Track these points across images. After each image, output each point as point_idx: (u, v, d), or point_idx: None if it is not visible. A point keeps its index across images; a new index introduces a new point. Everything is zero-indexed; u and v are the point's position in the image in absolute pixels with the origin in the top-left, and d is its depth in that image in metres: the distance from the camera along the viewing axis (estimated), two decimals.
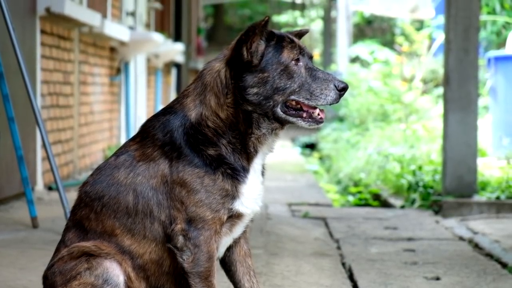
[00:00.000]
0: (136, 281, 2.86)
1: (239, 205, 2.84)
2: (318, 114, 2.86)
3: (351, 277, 4.39)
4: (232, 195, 2.82)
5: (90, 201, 2.91)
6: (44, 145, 5.20)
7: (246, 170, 2.85)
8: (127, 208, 2.86)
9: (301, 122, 2.85)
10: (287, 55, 2.83)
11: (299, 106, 2.84)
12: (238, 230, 2.92)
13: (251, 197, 2.86)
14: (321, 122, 2.87)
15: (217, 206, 2.81)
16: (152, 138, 2.88)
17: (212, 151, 2.83)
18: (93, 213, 2.90)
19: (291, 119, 2.84)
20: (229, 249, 3.00)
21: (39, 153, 6.76)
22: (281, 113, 2.83)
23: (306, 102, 2.82)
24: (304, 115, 2.84)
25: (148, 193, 2.84)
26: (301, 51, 2.86)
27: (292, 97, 2.82)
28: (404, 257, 4.90)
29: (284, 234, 5.39)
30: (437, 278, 4.35)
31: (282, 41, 2.85)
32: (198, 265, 2.80)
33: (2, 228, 5.17)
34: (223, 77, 2.85)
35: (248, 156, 2.87)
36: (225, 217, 2.83)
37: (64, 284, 2.81)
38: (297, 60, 2.84)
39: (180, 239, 2.80)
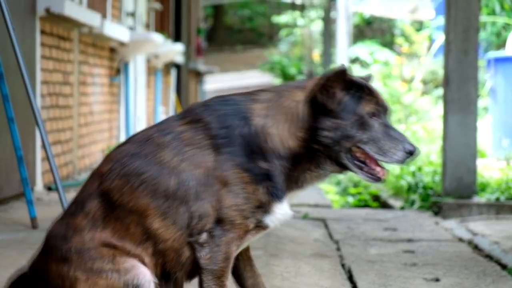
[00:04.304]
0: (155, 268, 2.83)
1: (268, 220, 2.86)
2: (379, 172, 2.86)
3: (350, 278, 4.39)
4: (265, 209, 2.83)
5: (126, 174, 2.82)
6: (43, 146, 5.19)
7: (285, 193, 2.87)
8: (166, 191, 2.80)
9: (360, 174, 2.86)
10: (364, 107, 2.83)
11: (363, 157, 2.85)
12: (256, 237, 2.95)
13: (280, 215, 2.87)
14: (380, 180, 2.87)
15: (249, 214, 2.82)
16: (205, 126, 2.83)
17: (264, 164, 2.82)
18: (128, 187, 2.81)
19: (352, 167, 2.85)
20: None
21: (39, 153, 6.76)
22: (345, 159, 2.84)
23: (371, 153, 2.82)
24: (365, 168, 2.85)
25: (189, 182, 2.79)
26: (379, 105, 2.86)
27: (360, 145, 2.82)
28: (403, 258, 4.90)
29: (284, 235, 5.39)
30: (437, 280, 4.34)
31: (361, 91, 2.85)
32: (214, 263, 2.81)
33: (2, 228, 5.16)
34: (300, 112, 2.85)
35: (295, 186, 2.90)
36: (252, 226, 2.84)
37: (86, 273, 2.77)
38: (373, 114, 2.84)
39: (204, 236, 2.79)
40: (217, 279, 2.82)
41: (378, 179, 2.86)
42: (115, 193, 2.83)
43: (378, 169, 2.85)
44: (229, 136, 2.82)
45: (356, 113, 2.82)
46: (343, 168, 2.86)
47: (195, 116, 2.87)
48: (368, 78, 2.98)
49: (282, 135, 2.84)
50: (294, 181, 2.88)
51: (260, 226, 2.86)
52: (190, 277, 2.91)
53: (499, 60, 10.15)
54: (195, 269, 2.86)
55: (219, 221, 2.80)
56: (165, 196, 2.80)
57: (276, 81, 23.28)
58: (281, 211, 2.86)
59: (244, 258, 3.03)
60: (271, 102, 2.86)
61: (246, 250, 3.03)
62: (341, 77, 2.83)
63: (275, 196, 2.83)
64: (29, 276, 2.91)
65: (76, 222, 2.84)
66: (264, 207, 2.83)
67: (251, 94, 2.91)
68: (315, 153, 2.84)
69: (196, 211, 2.80)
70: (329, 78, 2.82)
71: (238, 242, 2.83)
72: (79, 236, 2.82)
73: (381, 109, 2.86)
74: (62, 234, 2.84)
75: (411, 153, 2.82)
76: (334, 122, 2.82)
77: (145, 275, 2.77)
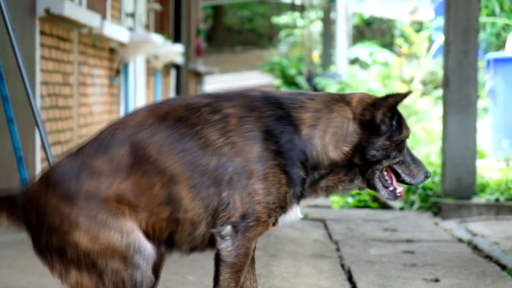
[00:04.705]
0: (160, 232, 2.79)
1: (280, 219, 2.92)
2: (401, 191, 3.03)
3: (350, 278, 4.39)
4: (285, 210, 2.90)
5: (169, 135, 2.79)
6: (43, 146, 5.19)
7: (305, 197, 2.96)
8: (204, 168, 2.78)
9: (384, 192, 3.00)
10: (404, 132, 2.99)
11: (388, 176, 3.00)
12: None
13: (292, 216, 2.96)
14: (398, 197, 3.05)
15: (273, 213, 2.85)
16: (257, 117, 2.85)
17: (302, 172, 2.89)
18: (168, 149, 2.77)
19: (379, 185, 2.98)
20: None
21: (38, 154, 6.76)
22: (377, 177, 2.97)
23: (403, 175, 3.00)
24: (391, 188, 3.00)
25: (228, 168, 2.79)
26: (408, 131, 3.04)
27: (395, 167, 2.99)
28: (403, 259, 4.90)
29: (283, 235, 5.39)
30: (436, 280, 4.34)
31: (401, 117, 3.01)
32: (235, 257, 2.81)
33: (1, 229, 5.16)
34: (350, 129, 2.94)
35: (315, 194, 2.99)
36: (271, 224, 2.88)
37: (89, 221, 2.70)
38: (407, 138, 3.02)
39: (228, 229, 2.79)
40: (234, 273, 2.82)
41: (398, 197, 3.04)
42: (153, 149, 2.77)
43: (400, 188, 3.02)
44: (277, 137, 2.85)
45: (400, 137, 2.97)
46: (369, 185, 2.99)
47: (247, 103, 2.88)
48: (408, 93, 3.09)
49: (327, 147, 2.91)
50: (319, 190, 2.97)
51: (273, 224, 2.91)
52: (191, 251, 2.88)
53: (498, 61, 10.14)
54: (200, 246, 2.84)
55: (245, 215, 2.80)
56: (201, 172, 2.78)
57: (276, 82, 23.26)
58: (294, 213, 2.94)
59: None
60: (320, 113, 2.92)
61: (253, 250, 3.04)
62: (397, 102, 2.97)
63: (296, 199, 2.90)
64: (20, 202, 2.82)
65: (96, 164, 2.76)
66: (285, 208, 2.89)
67: (301, 101, 2.94)
68: (353, 168, 2.94)
69: (225, 198, 2.79)
70: (387, 103, 2.95)
71: (257, 239, 2.87)
72: (95, 181, 2.75)
73: (409, 134, 3.05)
74: (75, 172, 2.76)
75: (428, 177, 3.05)
76: (383, 143, 2.94)
77: (146, 241, 2.75)
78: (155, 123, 2.80)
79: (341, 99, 2.98)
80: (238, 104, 2.87)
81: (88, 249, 2.71)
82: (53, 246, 2.74)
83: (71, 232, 2.72)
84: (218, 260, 2.81)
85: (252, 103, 2.88)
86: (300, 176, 2.88)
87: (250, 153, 2.81)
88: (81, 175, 2.75)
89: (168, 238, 2.82)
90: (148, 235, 2.79)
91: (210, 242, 2.84)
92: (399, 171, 2.97)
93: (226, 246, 2.80)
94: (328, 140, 2.91)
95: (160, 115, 2.81)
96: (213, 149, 2.79)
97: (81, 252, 2.71)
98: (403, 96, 2.95)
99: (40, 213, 2.76)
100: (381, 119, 2.93)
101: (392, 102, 2.94)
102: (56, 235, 2.73)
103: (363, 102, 2.96)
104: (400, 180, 2.99)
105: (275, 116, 2.86)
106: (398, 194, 3.01)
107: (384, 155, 2.93)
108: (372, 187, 2.97)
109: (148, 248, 2.75)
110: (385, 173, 2.97)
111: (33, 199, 2.79)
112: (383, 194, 2.98)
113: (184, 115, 2.81)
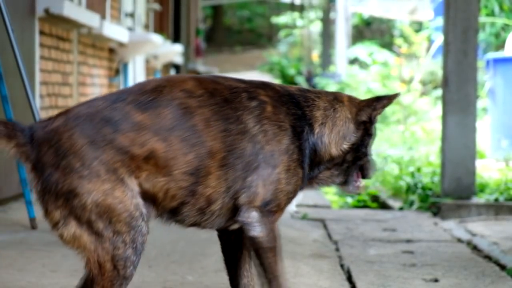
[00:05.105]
0: (170, 200, 2.75)
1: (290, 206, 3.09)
2: (362, 186, 3.19)
3: (349, 278, 4.39)
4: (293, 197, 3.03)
5: (216, 113, 2.80)
6: None
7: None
8: (241, 152, 2.82)
9: (351, 187, 3.14)
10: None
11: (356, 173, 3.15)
12: None
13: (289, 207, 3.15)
14: (361, 192, 3.27)
15: (289, 202, 2.95)
16: (286, 112, 2.95)
17: (308, 168, 3.02)
18: (214, 124, 2.79)
19: (351, 180, 3.12)
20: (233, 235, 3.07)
21: None
22: (353, 172, 3.12)
23: (367, 170, 3.15)
24: (358, 183, 3.15)
25: (259, 155, 2.84)
26: None
27: (367, 161, 3.13)
28: (402, 259, 4.90)
29: (283, 235, 5.37)
30: (436, 280, 4.35)
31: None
32: (269, 241, 2.85)
33: (1, 229, 5.16)
34: (350, 128, 3.06)
35: (309, 188, 3.13)
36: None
37: (107, 174, 2.61)
38: None
39: (254, 214, 2.83)
40: (275, 256, 2.88)
41: (361, 192, 3.24)
42: (199, 119, 2.77)
43: (362, 182, 3.18)
44: (300, 135, 2.95)
45: (375, 135, 3.16)
46: (346, 181, 3.13)
47: (279, 93, 2.98)
48: (398, 94, 3.21)
49: (331, 144, 3.04)
50: (315, 183, 3.11)
51: None
52: (191, 226, 2.89)
53: (498, 61, 10.14)
54: (203, 223, 2.85)
55: (268, 201, 2.86)
56: (237, 155, 2.81)
57: (275, 82, 23.27)
58: (291, 204, 3.15)
59: (247, 255, 3.06)
60: (327, 112, 3.05)
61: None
62: (390, 103, 3.12)
63: (301, 188, 3.05)
64: (37, 134, 2.64)
65: (138, 117, 2.70)
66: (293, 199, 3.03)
67: (313, 100, 3.05)
68: (343, 164, 3.08)
69: (248, 182, 2.83)
70: (382, 105, 3.10)
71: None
72: (133, 133, 2.68)
73: None
74: (114, 119, 2.67)
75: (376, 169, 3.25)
76: (369, 141, 3.11)
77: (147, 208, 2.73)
78: (204, 96, 2.81)
79: (338, 99, 3.09)
80: (270, 94, 2.95)
81: (98, 202, 2.60)
82: (62, 189, 2.60)
83: (88, 179, 2.60)
84: (256, 248, 2.85)
85: (280, 97, 2.97)
86: (307, 171, 3.00)
87: (280, 143, 2.88)
88: (119, 124, 2.67)
89: (176, 207, 2.79)
90: (155, 201, 2.74)
91: (214, 220, 2.85)
92: (367, 166, 3.12)
93: (257, 233, 2.84)
94: (333, 138, 3.03)
95: (209, 89, 2.83)
96: (250, 136, 2.84)
97: (90, 202, 2.60)
98: (394, 97, 3.08)
99: (61, 150, 2.61)
100: (375, 120, 3.09)
101: (386, 103, 3.08)
102: (71, 177, 2.60)
103: (355, 103, 3.10)
104: (363, 174, 3.13)
105: (297, 115, 2.97)
106: (361, 188, 3.16)
107: (367, 152, 3.10)
108: (346, 182, 3.12)
109: (149, 215, 2.72)
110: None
111: (56, 134, 2.64)
112: (350, 189, 3.13)
113: (229, 97, 2.85)
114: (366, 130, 3.08)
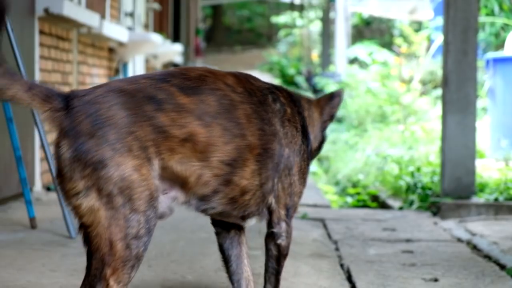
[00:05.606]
0: (203, 186, 2.76)
1: None
2: None
3: (349, 278, 4.39)
4: None
5: (256, 112, 2.90)
6: (42, 146, 5.19)
7: None
8: (272, 152, 2.91)
9: None
10: None
11: None
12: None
13: None
14: None
15: (301, 200, 3.10)
16: (297, 112, 3.08)
17: None
18: (255, 120, 2.88)
19: None
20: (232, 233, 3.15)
21: (38, 153, 6.76)
22: None
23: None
24: None
25: (282, 157, 2.95)
26: None
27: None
28: (402, 258, 4.90)
29: None
30: (435, 280, 4.35)
31: None
32: (287, 249, 3.07)
33: (1, 228, 5.17)
34: (320, 127, 3.26)
35: None
36: None
37: (140, 151, 2.58)
38: None
39: (283, 226, 3.02)
40: (284, 262, 3.12)
41: None
42: (242, 114, 2.83)
43: None
44: (305, 134, 3.10)
45: None
46: None
47: (290, 98, 3.09)
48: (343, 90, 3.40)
49: (314, 142, 3.23)
50: None
51: None
52: (217, 215, 2.95)
53: (498, 61, 10.14)
54: (229, 215, 2.92)
55: (289, 208, 3.02)
56: (269, 154, 2.89)
57: (275, 81, 23.27)
58: None
59: (240, 249, 3.16)
60: (308, 112, 3.21)
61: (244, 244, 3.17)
62: (341, 100, 3.32)
63: None
64: (74, 102, 2.60)
65: (183, 100, 2.70)
66: None
67: (298, 101, 3.17)
68: (310, 160, 3.18)
69: (274, 183, 2.95)
70: (338, 103, 3.29)
71: None
72: (175, 114, 2.67)
73: None
74: (158, 98, 2.65)
75: None
76: (325, 138, 3.31)
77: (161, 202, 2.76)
78: (245, 93, 2.88)
79: (309, 100, 3.26)
80: (285, 95, 3.06)
81: (124, 176, 2.55)
82: (92, 158, 2.54)
83: (120, 153, 2.56)
84: (278, 254, 3.05)
85: (291, 97, 3.10)
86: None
87: (295, 144, 3.00)
88: (163, 103, 2.66)
89: (207, 194, 2.79)
90: (185, 185, 2.73)
91: (245, 209, 2.91)
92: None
93: (284, 242, 3.05)
94: (314, 136, 3.21)
95: (247, 88, 2.90)
96: (278, 138, 2.93)
97: (116, 175, 2.54)
98: (343, 93, 3.27)
99: (98, 119, 2.57)
100: (333, 117, 3.28)
101: (340, 101, 3.29)
102: (103, 148, 2.55)
103: (316, 103, 3.25)
104: None
105: (301, 115, 3.10)
106: None
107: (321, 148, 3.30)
108: None
109: (175, 199, 2.78)
110: None
111: (95, 104, 2.59)
112: None
113: (262, 100, 2.93)
114: (325, 128, 3.28)
